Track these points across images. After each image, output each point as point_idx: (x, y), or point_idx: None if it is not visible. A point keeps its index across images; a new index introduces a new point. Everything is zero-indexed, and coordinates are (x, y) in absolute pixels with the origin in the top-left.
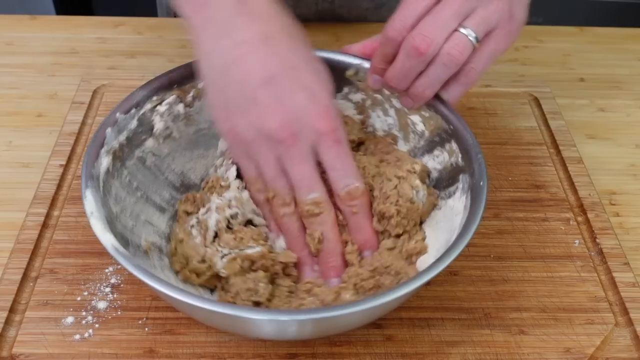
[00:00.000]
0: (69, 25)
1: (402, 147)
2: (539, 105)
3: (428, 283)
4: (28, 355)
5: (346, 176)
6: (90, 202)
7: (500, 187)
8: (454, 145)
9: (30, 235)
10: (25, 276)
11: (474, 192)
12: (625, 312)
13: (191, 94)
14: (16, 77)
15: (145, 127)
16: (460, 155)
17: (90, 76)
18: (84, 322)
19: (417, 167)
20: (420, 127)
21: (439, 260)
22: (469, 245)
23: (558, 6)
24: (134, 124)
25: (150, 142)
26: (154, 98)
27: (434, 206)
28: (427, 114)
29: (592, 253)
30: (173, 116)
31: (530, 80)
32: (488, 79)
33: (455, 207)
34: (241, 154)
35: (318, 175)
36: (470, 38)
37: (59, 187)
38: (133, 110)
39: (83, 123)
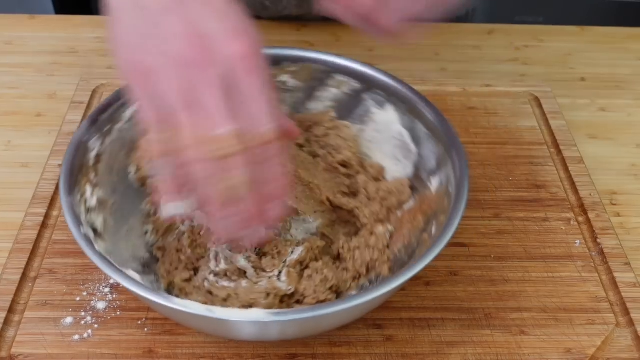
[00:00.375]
0: (68, 25)
1: None
2: (540, 105)
3: (427, 283)
4: (27, 356)
5: (258, 115)
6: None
7: (500, 187)
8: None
9: (29, 236)
10: (24, 276)
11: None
12: (626, 312)
13: None
14: (15, 76)
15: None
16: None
17: (90, 76)
18: (83, 322)
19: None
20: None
21: (430, 250)
22: (469, 246)
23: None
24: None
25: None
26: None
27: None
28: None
29: (593, 253)
30: None
31: (531, 80)
32: (489, 78)
33: (386, 119)
34: (143, 92)
35: (231, 107)
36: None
37: (58, 187)
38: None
39: (82, 123)
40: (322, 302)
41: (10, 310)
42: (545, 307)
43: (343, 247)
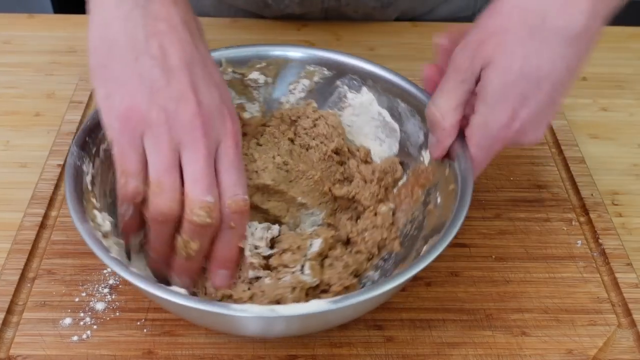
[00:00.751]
0: (67, 24)
1: None
2: None
3: (428, 284)
4: (26, 357)
5: (238, 184)
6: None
7: (501, 187)
8: None
9: (27, 236)
10: (22, 277)
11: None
12: (628, 313)
13: None
14: (14, 76)
15: None
16: None
17: (89, 75)
18: (82, 323)
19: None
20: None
21: (432, 249)
22: (470, 246)
23: None
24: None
25: None
26: None
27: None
28: None
29: (595, 254)
30: None
31: None
32: None
33: (363, 101)
34: (128, 140)
35: (214, 181)
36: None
37: (57, 187)
38: None
39: (81, 123)
40: (347, 288)
41: (9, 311)
42: (546, 308)
43: (352, 232)
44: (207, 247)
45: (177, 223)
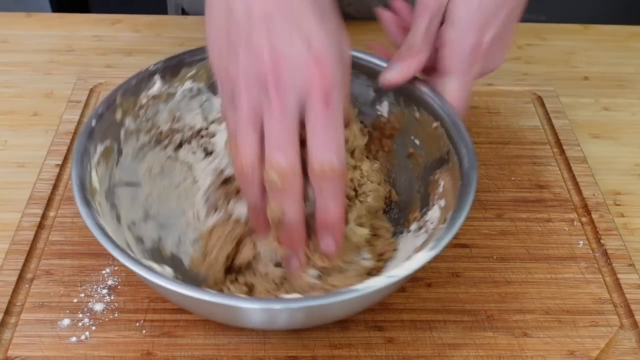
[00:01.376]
0: (65, 23)
1: None
2: (543, 104)
3: (429, 284)
4: (24, 358)
5: (326, 147)
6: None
7: (503, 187)
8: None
9: (25, 236)
10: (20, 278)
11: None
12: (630, 314)
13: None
14: (11, 75)
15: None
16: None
17: (87, 74)
18: (80, 324)
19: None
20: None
21: (436, 243)
22: (471, 246)
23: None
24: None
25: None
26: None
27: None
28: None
29: (597, 254)
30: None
31: (534, 79)
32: (491, 77)
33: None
34: (227, 100)
35: (295, 139)
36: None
37: (55, 187)
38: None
39: (79, 122)
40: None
41: (7, 312)
42: (548, 309)
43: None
44: (298, 214)
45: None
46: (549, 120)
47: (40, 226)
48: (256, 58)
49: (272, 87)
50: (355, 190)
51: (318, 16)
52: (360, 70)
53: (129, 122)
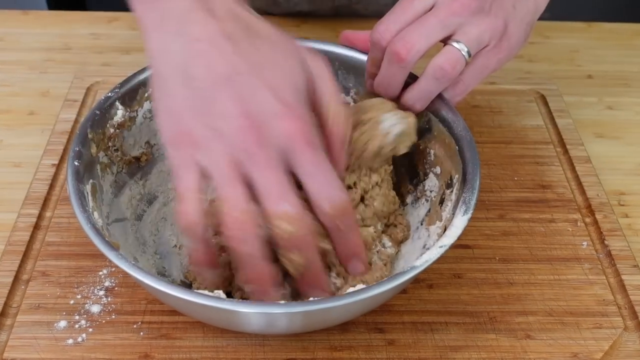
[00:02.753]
0: (62, 21)
1: None
2: (546, 103)
3: (431, 286)
4: None
5: (328, 186)
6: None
7: (505, 187)
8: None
9: (21, 237)
10: (16, 279)
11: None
12: (634, 316)
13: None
14: (7, 74)
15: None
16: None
17: (84, 73)
18: (77, 326)
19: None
20: None
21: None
22: (473, 247)
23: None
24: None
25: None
26: None
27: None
28: None
29: (601, 255)
30: None
31: (537, 78)
32: (493, 76)
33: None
34: (184, 160)
35: (291, 185)
36: (463, 53)
37: (52, 187)
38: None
39: (76, 121)
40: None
41: (2, 314)
42: (551, 311)
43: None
44: (316, 257)
45: (262, 243)
46: (552, 119)
47: (36, 227)
48: (223, 116)
49: (253, 144)
50: (362, 196)
51: (278, 68)
52: (341, 64)
53: (102, 157)
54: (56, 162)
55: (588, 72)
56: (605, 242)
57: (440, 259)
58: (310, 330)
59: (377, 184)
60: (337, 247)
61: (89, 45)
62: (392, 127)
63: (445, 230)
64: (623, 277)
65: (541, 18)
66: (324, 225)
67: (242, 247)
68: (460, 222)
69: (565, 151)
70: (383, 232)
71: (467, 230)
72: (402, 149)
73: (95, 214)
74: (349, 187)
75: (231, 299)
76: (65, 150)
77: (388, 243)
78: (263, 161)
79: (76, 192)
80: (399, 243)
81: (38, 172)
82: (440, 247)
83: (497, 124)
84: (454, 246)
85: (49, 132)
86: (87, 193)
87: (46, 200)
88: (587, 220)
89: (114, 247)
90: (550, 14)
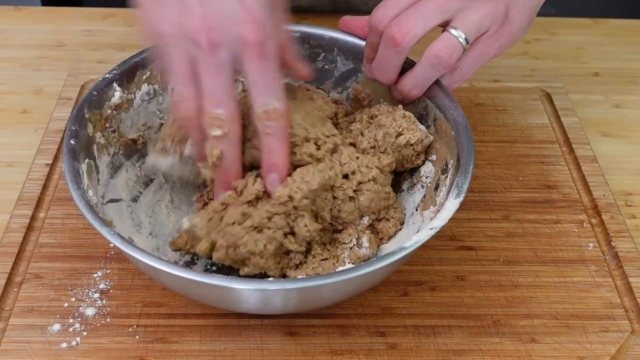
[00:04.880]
0: (56, 17)
1: None
2: (551, 101)
3: (433, 288)
4: None
5: (266, 94)
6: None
7: (510, 187)
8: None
9: (14, 238)
10: (9, 281)
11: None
12: None
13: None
14: None
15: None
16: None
17: (78, 70)
18: (71, 329)
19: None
20: None
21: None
22: (476, 249)
23: None
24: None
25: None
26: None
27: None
28: None
29: (607, 257)
30: None
31: (542, 75)
32: (497, 73)
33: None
34: (158, 54)
35: (232, 91)
36: (460, 40)
37: (45, 187)
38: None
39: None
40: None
41: None
42: (556, 314)
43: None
44: (236, 155)
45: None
46: (558, 118)
47: (29, 228)
48: (187, 14)
49: (205, 43)
50: (355, 190)
51: None
52: (340, 49)
53: (98, 137)
54: (50, 161)
55: (594, 69)
56: (612, 243)
57: (443, 261)
58: (303, 310)
59: (373, 178)
60: (263, 154)
61: (83, 42)
62: (426, 133)
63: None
64: (630, 279)
65: (546, 14)
66: (257, 131)
67: (193, 134)
68: (451, 205)
69: (571, 150)
70: (371, 225)
71: (470, 231)
72: (417, 161)
73: (90, 192)
74: (345, 176)
75: (226, 276)
76: (59, 150)
77: (366, 243)
78: (212, 64)
79: (71, 170)
80: (389, 238)
81: (31, 172)
82: (431, 229)
83: (502, 123)
84: (457, 248)
85: (43, 131)
86: (83, 172)
87: (40, 201)
88: (594, 221)
89: (107, 224)
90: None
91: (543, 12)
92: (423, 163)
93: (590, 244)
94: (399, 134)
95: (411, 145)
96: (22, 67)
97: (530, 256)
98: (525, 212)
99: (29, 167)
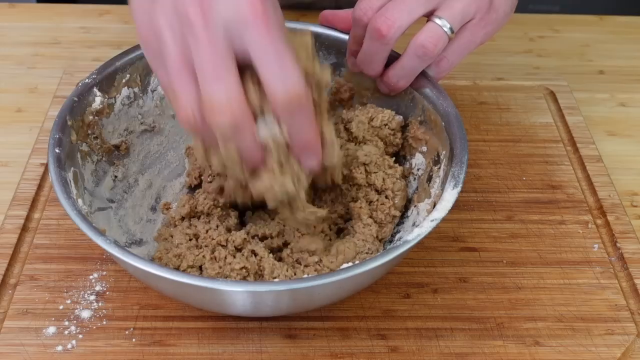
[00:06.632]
0: (51, 14)
1: None
2: (555, 100)
3: (435, 290)
4: None
5: (284, 73)
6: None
7: (513, 187)
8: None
9: (8, 239)
10: (3, 283)
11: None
12: None
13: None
14: None
15: None
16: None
17: (74, 68)
18: (66, 332)
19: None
20: None
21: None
22: (479, 250)
23: None
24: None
25: None
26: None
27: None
28: None
29: (612, 258)
30: None
31: (546, 73)
32: (501, 71)
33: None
34: (154, 56)
35: (233, 68)
36: (445, 29)
37: (40, 187)
38: None
39: None
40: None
41: None
42: (561, 316)
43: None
44: (255, 150)
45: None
46: (562, 116)
47: (24, 229)
48: (179, 2)
49: (197, 21)
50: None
51: None
52: (322, 44)
53: (81, 145)
54: (45, 161)
55: (599, 67)
56: (618, 244)
57: (445, 263)
58: (298, 311)
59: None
60: (293, 142)
61: (79, 39)
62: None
63: (435, 206)
64: (636, 281)
65: (551, 11)
66: (276, 114)
67: (197, 134)
68: (450, 196)
69: (576, 150)
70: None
71: (473, 232)
72: (396, 140)
73: (80, 201)
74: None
75: (217, 279)
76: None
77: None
78: (205, 39)
79: (59, 179)
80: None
81: (26, 171)
82: (432, 221)
83: (505, 122)
84: (460, 249)
85: (37, 130)
86: (70, 180)
87: (34, 201)
88: (599, 221)
89: (101, 232)
90: (560, 6)
91: (547, 10)
92: (411, 153)
93: (596, 245)
94: (371, 119)
95: (385, 124)
96: (17, 64)
97: (534, 257)
98: (529, 213)
99: (23, 167)
